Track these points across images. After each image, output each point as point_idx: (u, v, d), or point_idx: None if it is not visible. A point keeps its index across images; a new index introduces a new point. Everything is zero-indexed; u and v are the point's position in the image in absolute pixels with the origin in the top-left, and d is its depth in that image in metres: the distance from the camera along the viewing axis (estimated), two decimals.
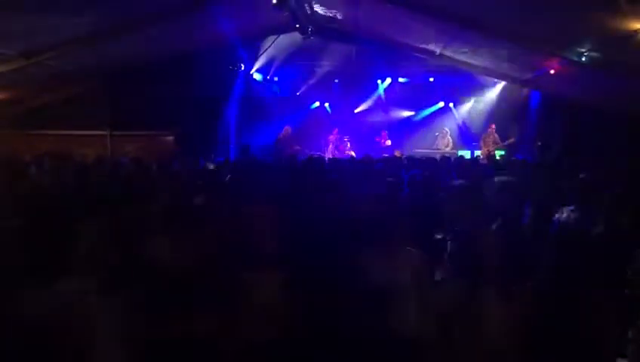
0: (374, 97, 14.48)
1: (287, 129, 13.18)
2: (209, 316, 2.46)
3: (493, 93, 13.62)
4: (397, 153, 12.12)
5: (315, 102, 14.70)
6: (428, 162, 7.84)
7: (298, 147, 12.66)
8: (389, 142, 13.77)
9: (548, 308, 2.28)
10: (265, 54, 12.84)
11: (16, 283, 2.69)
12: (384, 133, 13.90)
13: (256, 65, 13.25)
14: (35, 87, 10.21)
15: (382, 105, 14.52)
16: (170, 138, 11.86)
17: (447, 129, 13.86)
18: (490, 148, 12.58)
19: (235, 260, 2.67)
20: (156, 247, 2.77)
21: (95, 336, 2.33)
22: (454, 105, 14.31)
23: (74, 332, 2.30)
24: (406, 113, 14.55)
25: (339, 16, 11.37)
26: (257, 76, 13.55)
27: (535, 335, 2.24)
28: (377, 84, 14.27)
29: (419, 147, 13.38)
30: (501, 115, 13.31)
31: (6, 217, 3.73)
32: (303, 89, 14.33)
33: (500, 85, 13.37)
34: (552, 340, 2.19)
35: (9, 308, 2.35)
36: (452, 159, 8.98)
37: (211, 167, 7.65)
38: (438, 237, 3.75)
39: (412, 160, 8.46)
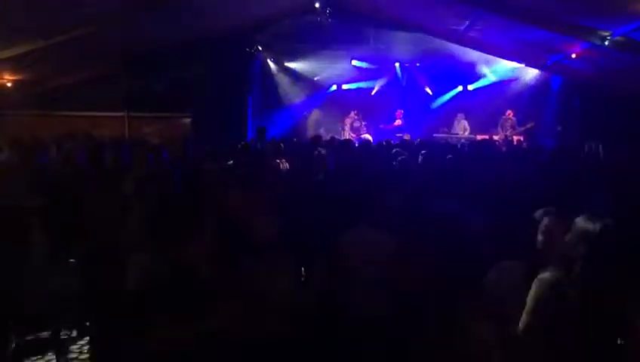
0: (391, 79, 14.32)
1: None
2: None
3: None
4: (406, 137, 12.01)
5: (332, 85, 14.64)
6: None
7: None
8: (398, 122, 13.63)
9: None
10: (282, 37, 12.73)
11: None
12: (399, 112, 13.75)
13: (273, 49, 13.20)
14: (53, 68, 10.30)
15: (399, 87, 14.37)
16: (187, 120, 11.92)
17: (461, 114, 13.57)
18: (508, 133, 12.43)
19: None
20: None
21: None
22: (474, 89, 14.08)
23: None
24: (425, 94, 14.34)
25: None
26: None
27: None
28: (394, 67, 14.14)
29: (438, 132, 13.24)
30: (520, 99, 13.10)
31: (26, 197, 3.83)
32: (320, 72, 14.20)
33: (521, 69, 13.13)
34: None
35: None
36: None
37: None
38: None
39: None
